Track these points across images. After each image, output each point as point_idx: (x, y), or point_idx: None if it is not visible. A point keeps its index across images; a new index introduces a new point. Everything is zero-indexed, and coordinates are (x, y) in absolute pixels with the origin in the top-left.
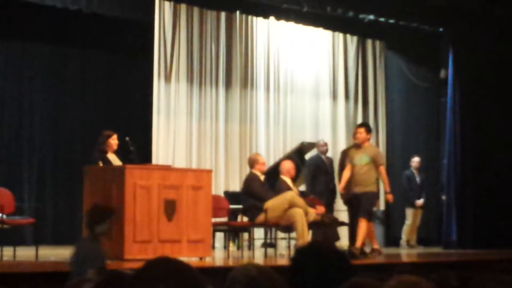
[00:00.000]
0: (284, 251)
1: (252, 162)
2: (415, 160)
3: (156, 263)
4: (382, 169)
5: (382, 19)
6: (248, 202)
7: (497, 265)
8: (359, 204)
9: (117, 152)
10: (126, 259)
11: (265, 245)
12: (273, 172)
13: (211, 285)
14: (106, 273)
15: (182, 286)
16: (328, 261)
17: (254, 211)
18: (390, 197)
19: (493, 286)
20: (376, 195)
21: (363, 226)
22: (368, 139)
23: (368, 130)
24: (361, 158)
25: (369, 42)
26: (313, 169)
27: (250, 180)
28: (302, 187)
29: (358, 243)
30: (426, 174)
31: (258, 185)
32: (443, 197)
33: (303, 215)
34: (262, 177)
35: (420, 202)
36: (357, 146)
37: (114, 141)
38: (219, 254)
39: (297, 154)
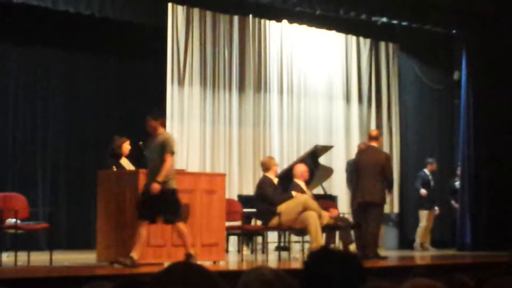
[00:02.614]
0: (298, 254)
1: (265, 166)
2: (431, 163)
3: (175, 268)
4: None
5: (395, 22)
6: (261, 206)
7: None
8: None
9: (129, 157)
10: (140, 263)
11: (279, 248)
12: (287, 175)
13: None
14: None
15: None
16: (341, 264)
17: (267, 214)
18: None
19: None
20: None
21: None
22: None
23: None
24: None
25: (382, 45)
26: (350, 173)
27: (263, 184)
28: (315, 190)
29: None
30: (440, 176)
31: (271, 189)
32: (453, 202)
33: (317, 218)
34: (275, 180)
35: (437, 209)
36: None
37: (126, 146)
38: (233, 258)
39: (311, 157)
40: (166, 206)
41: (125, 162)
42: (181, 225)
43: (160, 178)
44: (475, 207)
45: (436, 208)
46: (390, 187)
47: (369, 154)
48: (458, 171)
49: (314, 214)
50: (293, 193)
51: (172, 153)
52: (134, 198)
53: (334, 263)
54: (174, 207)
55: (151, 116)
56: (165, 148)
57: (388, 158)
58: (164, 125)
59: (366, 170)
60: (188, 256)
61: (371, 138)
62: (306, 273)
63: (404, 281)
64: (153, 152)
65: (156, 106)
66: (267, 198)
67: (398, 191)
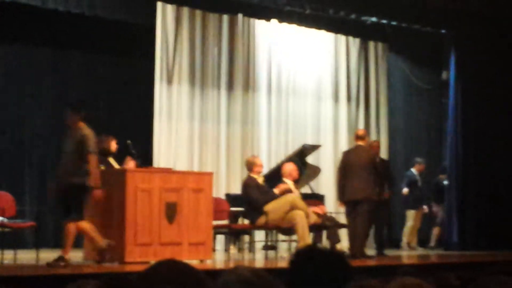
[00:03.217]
0: (285, 253)
1: (250, 165)
2: (419, 163)
3: (162, 266)
4: None
5: (384, 22)
6: (247, 206)
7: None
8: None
9: (115, 156)
10: (127, 261)
11: (266, 247)
12: (275, 174)
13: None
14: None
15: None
16: (326, 263)
17: (254, 213)
18: None
19: None
20: None
21: None
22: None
23: None
24: None
25: (371, 44)
26: None
27: (246, 186)
28: (303, 189)
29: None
30: (428, 176)
31: (255, 190)
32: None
33: (304, 217)
34: (260, 179)
35: (426, 208)
36: None
37: (113, 145)
38: (220, 256)
39: (299, 157)
40: (72, 201)
41: (112, 161)
42: (71, 226)
43: (92, 182)
44: (462, 206)
45: (425, 207)
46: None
47: (357, 154)
48: (441, 171)
49: (301, 213)
50: (276, 190)
51: (93, 153)
52: (121, 196)
53: (320, 262)
54: (77, 203)
55: (71, 108)
56: (84, 147)
57: (376, 156)
58: (86, 120)
59: (354, 169)
60: (59, 258)
61: (358, 137)
62: (292, 271)
63: (391, 281)
64: (68, 146)
65: (144, 104)
66: (252, 200)
67: None
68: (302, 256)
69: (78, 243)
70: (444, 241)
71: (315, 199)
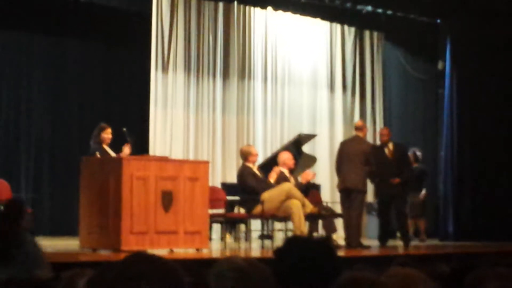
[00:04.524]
0: (281, 242)
1: (245, 154)
2: (415, 152)
3: (134, 260)
4: None
5: (380, 11)
6: (243, 194)
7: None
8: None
9: (111, 145)
10: (123, 250)
11: (262, 236)
12: (271, 163)
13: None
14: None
15: (163, 282)
16: (311, 252)
17: (251, 202)
18: None
19: (489, 279)
20: None
21: None
22: None
23: None
24: None
25: (367, 34)
26: None
27: (242, 174)
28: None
29: None
30: (423, 166)
31: (250, 178)
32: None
33: (300, 206)
34: (255, 169)
35: (422, 193)
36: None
37: (107, 135)
38: (216, 245)
39: (294, 146)
40: None
41: (108, 149)
42: None
43: None
44: (457, 197)
45: (423, 192)
46: (371, 177)
47: (353, 144)
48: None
49: (297, 202)
50: (271, 180)
51: None
52: (117, 184)
53: (305, 251)
54: None
55: None
56: None
57: (369, 147)
58: None
59: (349, 158)
60: None
61: (356, 128)
62: (277, 261)
63: (386, 270)
64: None
65: (140, 92)
66: (248, 187)
67: None
68: (287, 246)
69: (74, 231)
70: (440, 232)
71: (310, 188)
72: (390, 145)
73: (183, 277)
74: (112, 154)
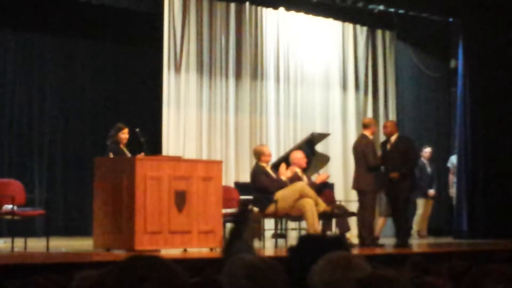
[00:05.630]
0: (294, 241)
1: (258, 154)
2: (427, 151)
3: (137, 262)
4: None
5: (392, 10)
6: (257, 194)
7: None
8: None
9: (127, 146)
10: (137, 250)
11: (276, 235)
12: (284, 162)
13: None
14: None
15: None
16: (325, 251)
17: (264, 201)
18: None
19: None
20: None
21: None
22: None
23: None
24: None
25: (379, 33)
26: None
27: (255, 174)
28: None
29: None
30: (437, 164)
31: (264, 178)
32: (451, 190)
33: (313, 205)
34: (268, 168)
35: (432, 192)
36: None
37: (124, 135)
38: None
39: (307, 145)
40: None
41: (125, 150)
42: None
43: None
44: (471, 194)
45: (433, 190)
46: (372, 170)
47: (356, 143)
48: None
49: (310, 201)
50: (283, 177)
51: None
52: (131, 184)
53: (319, 250)
54: None
55: None
56: None
57: (368, 143)
58: None
59: (354, 158)
60: None
61: (363, 125)
62: (291, 259)
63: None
64: None
65: (153, 92)
66: (262, 187)
67: None
68: (300, 244)
69: (87, 232)
70: (454, 229)
71: (324, 187)
72: (393, 138)
73: (185, 278)
74: (129, 155)
